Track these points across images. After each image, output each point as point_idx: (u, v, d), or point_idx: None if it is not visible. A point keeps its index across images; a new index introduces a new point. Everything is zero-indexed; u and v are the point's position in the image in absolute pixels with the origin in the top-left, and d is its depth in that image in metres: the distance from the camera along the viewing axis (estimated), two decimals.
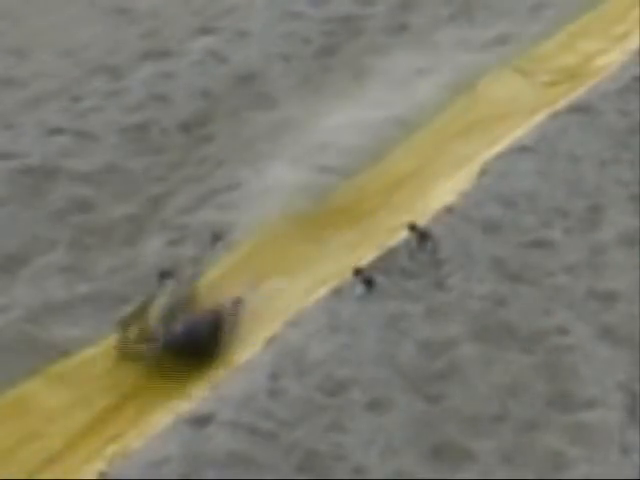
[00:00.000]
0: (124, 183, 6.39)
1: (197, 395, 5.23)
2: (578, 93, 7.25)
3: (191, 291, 6.19)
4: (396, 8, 8.01)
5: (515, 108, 7.15)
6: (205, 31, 7.67)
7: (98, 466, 4.89)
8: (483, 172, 6.54)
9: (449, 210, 6.28)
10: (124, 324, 6.16)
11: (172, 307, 6.10)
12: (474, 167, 6.60)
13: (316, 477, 4.98)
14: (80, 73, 7.15)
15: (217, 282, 5.98)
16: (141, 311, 6.11)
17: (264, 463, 4.93)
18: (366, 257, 5.96)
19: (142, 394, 5.24)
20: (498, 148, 6.74)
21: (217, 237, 5.98)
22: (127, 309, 5.93)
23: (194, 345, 6.23)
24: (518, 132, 6.86)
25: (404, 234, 6.07)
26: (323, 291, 5.76)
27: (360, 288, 5.71)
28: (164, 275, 5.79)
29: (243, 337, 5.64)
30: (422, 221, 6.15)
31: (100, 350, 5.49)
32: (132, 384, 5.30)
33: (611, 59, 7.61)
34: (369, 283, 5.72)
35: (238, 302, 6.24)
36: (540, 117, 7.01)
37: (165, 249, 6.04)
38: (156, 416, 5.10)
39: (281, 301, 5.80)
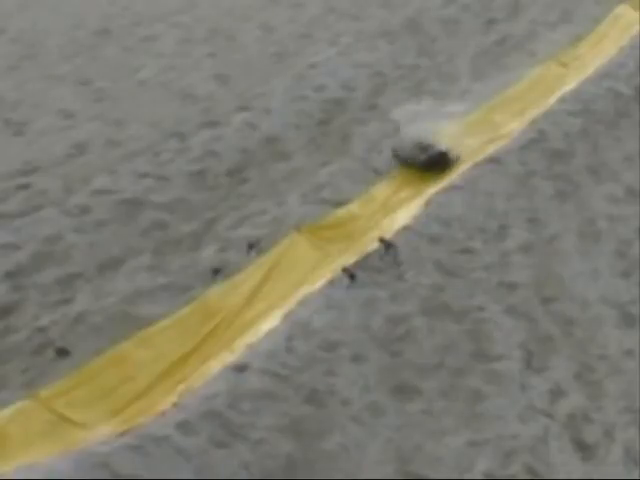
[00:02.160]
0: (188, 210, 6.36)
1: (238, 351, 5.17)
2: (492, 150, 7.19)
3: None
4: (368, 93, 7.97)
5: None
6: (243, 108, 7.60)
7: (171, 399, 4.83)
8: (428, 203, 6.51)
9: (406, 228, 6.24)
10: None
11: None
12: (422, 200, 6.56)
13: (316, 407, 4.92)
14: (160, 137, 7.15)
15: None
16: None
17: (282, 397, 4.91)
18: (351, 259, 5.90)
19: (201, 350, 5.19)
20: (438, 187, 6.70)
21: (251, 246, 5.95)
22: None
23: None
24: (451, 176, 6.83)
25: (376, 244, 6.03)
26: (322, 282, 5.70)
27: (346, 280, 5.69)
28: (215, 271, 5.75)
29: (269, 313, 5.49)
30: (388, 235, 6.12)
31: (172, 322, 5.33)
32: (194, 344, 5.21)
33: (514, 127, 7.52)
34: (352, 277, 5.70)
35: None
36: (466, 165, 6.94)
37: (216, 254, 5.97)
38: (210, 365, 5.09)
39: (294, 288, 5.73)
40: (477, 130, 7.43)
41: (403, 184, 6.81)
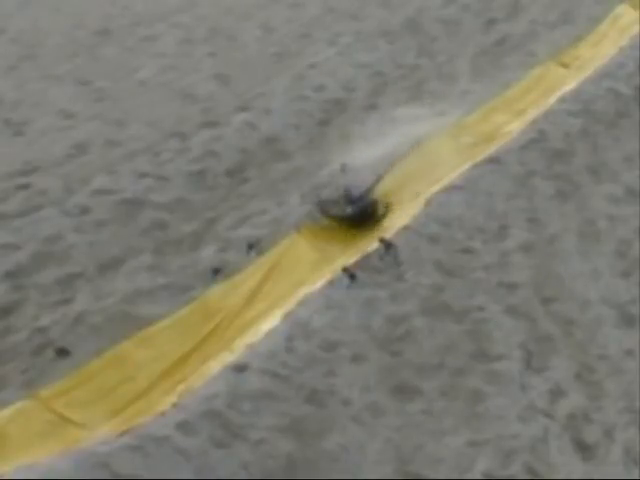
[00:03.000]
0: (188, 210, 6.36)
1: (237, 351, 5.17)
2: (491, 150, 7.16)
3: None
4: (368, 93, 7.96)
5: (448, 160, 7.05)
6: (243, 108, 7.60)
7: (171, 400, 4.84)
8: (428, 203, 6.49)
9: (406, 228, 6.23)
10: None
11: None
12: (422, 200, 6.54)
13: (316, 407, 4.92)
14: (160, 137, 7.14)
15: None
16: None
17: (282, 397, 4.93)
18: (351, 259, 5.89)
19: (201, 350, 5.18)
20: (438, 187, 6.68)
21: (251, 246, 5.95)
22: None
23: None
24: (451, 176, 6.79)
25: (376, 244, 6.03)
26: (322, 282, 5.70)
27: (346, 280, 5.70)
28: (215, 271, 5.75)
29: (269, 313, 5.49)
30: (388, 235, 6.11)
31: (172, 322, 5.33)
32: (194, 344, 5.21)
33: (514, 127, 7.50)
34: (352, 276, 5.71)
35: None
36: (466, 166, 6.92)
37: (216, 254, 5.97)
38: (210, 365, 5.08)
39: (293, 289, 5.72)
40: (477, 130, 7.42)
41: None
